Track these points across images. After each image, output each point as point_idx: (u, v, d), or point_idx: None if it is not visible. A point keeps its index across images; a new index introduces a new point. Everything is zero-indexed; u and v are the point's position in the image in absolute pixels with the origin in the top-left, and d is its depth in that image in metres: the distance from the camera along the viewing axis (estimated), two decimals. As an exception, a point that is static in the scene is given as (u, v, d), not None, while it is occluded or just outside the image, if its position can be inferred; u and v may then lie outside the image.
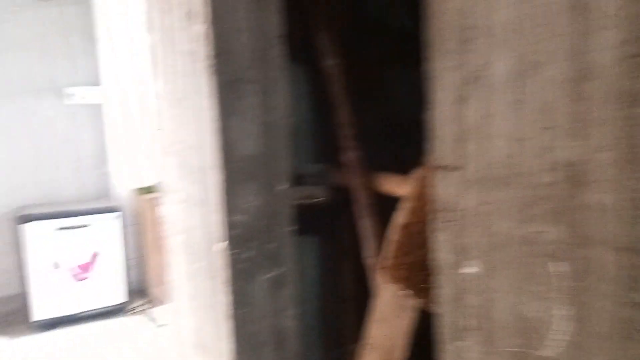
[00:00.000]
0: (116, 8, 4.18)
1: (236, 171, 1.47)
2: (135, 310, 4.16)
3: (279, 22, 1.51)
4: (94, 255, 3.92)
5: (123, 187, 4.37)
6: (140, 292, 4.45)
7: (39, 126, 4.12)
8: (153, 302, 4.27)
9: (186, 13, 1.47)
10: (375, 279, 1.53)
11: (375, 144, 1.79)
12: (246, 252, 1.39)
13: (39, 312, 3.76)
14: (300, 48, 1.76)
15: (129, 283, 4.14)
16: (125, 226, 4.13)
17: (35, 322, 3.76)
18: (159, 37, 1.76)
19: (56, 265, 3.79)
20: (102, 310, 4.00)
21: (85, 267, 3.90)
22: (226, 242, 1.42)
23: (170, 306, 2.07)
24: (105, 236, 3.94)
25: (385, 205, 1.57)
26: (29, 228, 3.66)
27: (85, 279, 3.91)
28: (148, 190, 4.28)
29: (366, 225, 1.65)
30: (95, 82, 4.27)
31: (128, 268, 4.14)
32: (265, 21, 1.48)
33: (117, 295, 4.05)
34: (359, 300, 1.70)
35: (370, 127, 1.81)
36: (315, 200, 1.74)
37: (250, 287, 1.38)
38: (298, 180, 1.72)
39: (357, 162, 1.70)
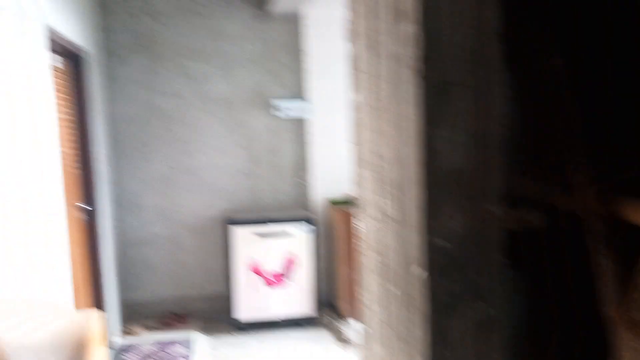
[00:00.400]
0: (322, 24, 4.38)
1: (440, 188, 1.29)
2: (323, 323, 4.24)
3: (498, 17, 1.30)
4: (288, 263, 4.11)
5: (319, 198, 4.52)
6: (329, 305, 4.54)
7: (249, 136, 4.51)
8: (341, 316, 4.30)
9: (394, 13, 1.35)
10: (615, 334, 1.19)
11: (615, 160, 1.44)
12: (449, 283, 1.19)
13: (239, 313, 4.07)
14: (516, 45, 1.51)
15: (320, 294, 4.24)
16: (319, 237, 4.26)
17: (234, 321, 4.08)
18: (362, 42, 1.68)
19: (253, 270, 4.06)
20: (291, 318, 4.16)
21: (278, 275, 4.11)
22: (425, 270, 1.25)
23: (358, 325, 1.97)
24: (298, 245, 4.11)
25: (630, 238, 1.23)
26: (235, 231, 4.00)
27: (278, 285, 4.11)
28: (342, 202, 4.36)
29: (602, 263, 1.31)
30: (300, 96, 4.52)
31: (319, 279, 4.25)
32: (483, 16, 1.28)
33: (307, 305, 4.17)
34: None
35: (607, 140, 1.47)
36: (533, 227, 1.46)
37: (452, 326, 1.18)
38: (511, 201, 1.46)
39: (589, 182, 1.37)
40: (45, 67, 2.43)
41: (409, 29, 1.28)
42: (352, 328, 4.10)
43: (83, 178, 3.58)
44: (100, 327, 1.72)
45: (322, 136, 4.48)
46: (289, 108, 4.43)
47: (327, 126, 4.48)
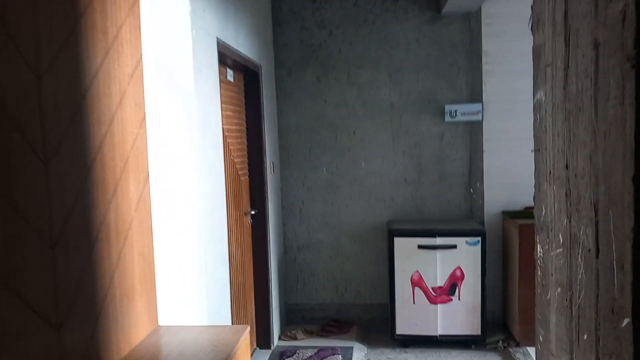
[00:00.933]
0: (500, 21, 3.99)
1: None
2: (491, 345, 3.84)
3: None
4: (452, 279, 3.80)
5: (492, 210, 4.12)
6: (498, 326, 4.10)
7: (417, 143, 4.31)
8: (513, 340, 3.85)
9: (595, -14, 1.05)
10: None
11: None
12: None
13: (399, 326, 3.89)
14: None
15: (487, 314, 3.85)
16: (489, 252, 3.87)
17: (394, 334, 3.91)
18: (549, 32, 1.38)
19: (416, 283, 3.85)
20: (455, 337, 3.84)
21: (442, 290, 3.83)
22: (636, 323, 0.93)
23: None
24: (466, 260, 3.78)
25: None
26: (397, 242, 3.83)
27: (441, 301, 3.83)
28: (518, 215, 3.90)
29: None
30: (475, 99, 4.19)
31: (487, 297, 3.86)
32: None
33: (473, 324, 3.81)
34: None
35: None
36: None
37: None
38: None
39: None
40: (214, 79, 2.56)
41: (618, 7, 0.98)
42: (524, 355, 3.63)
43: (253, 185, 3.76)
44: (247, 343, 1.70)
45: (499, 142, 4.07)
46: (461, 112, 4.11)
47: (504, 131, 4.05)
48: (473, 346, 3.85)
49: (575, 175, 1.26)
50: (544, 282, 1.56)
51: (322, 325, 4.32)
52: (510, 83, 4.00)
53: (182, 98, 2.09)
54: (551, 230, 1.46)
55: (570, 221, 1.32)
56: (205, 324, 2.28)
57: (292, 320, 4.49)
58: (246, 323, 3.56)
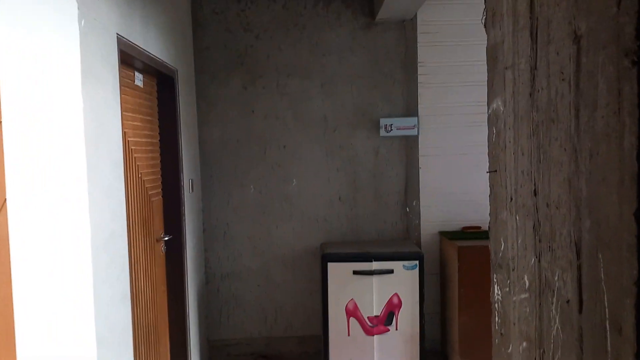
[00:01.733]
0: (437, 30, 3.86)
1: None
2: (432, 378, 3.64)
3: None
4: (389, 307, 3.58)
5: (428, 230, 3.95)
6: (437, 356, 3.92)
7: (351, 159, 4.09)
8: (453, 371, 3.67)
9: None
10: None
11: None
12: None
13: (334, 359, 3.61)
14: None
15: (425, 343, 3.64)
16: (426, 275, 3.68)
17: (330, 369, 3.62)
18: (508, 27, 1.16)
19: (351, 312, 3.58)
20: (397, 370, 3.61)
21: (378, 319, 3.59)
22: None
23: None
24: (403, 285, 3.57)
25: None
26: (331, 268, 3.56)
27: (378, 332, 3.59)
28: (457, 236, 3.76)
29: None
30: (410, 113, 4.02)
31: (426, 325, 3.66)
32: None
33: (412, 355, 3.59)
34: None
35: None
36: None
37: None
38: None
39: None
40: (113, 82, 2.19)
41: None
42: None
43: (167, 207, 3.37)
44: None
45: (435, 158, 3.92)
46: (397, 126, 3.93)
47: (441, 146, 3.92)
48: (413, 379, 3.63)
49: (548, 205, 1.02)
50: (502, 330, 1.32)
51: (248, 361, 3.96)
52: (447, 95, 3.88)
53: (62, 103, 1.71)
54: (513, 270, 1.23)
55: (539, 261, 1.09)
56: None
57: (216, 358, 4.09)
58: (158, 366, 3.13)
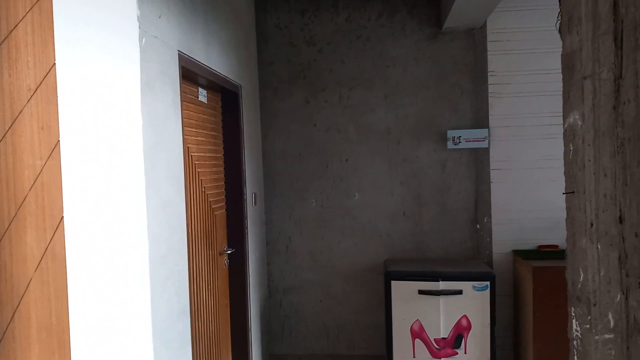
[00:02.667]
0: (508, 38, 3.67)
1: None
2: (504, 407, 3.41)
3: None
4: (458, 329, 3.40)
5: (501, 248, 3.74)
6: (512, 383, 3.67)
7: (415, 172, 3.96)
8: (528, 402, 3.42)
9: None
10: None
11: None
12: None
13: (398, 382, 3.47)
14: None
15: (499, 369, 3.43)
16: (498, 297, 3.47)
17: (393, 392, 3.49)
18: (588, 32, 1.04)
19: (416, 334, 3.44)
20: (465, 397, 3.41)
21: (446, 342, 3.41)
22: None
23: None
24: (473, 307, 3.38)
25: None
26: (394, 286, 3.44)
27: (445, 355, 3.41)
28: (532, 255, 3.52)
29: None
30: (480, 124, 3.85)
31: (498, 349, 3.44)
32: None
33: (484, 382, 3.38)
34: None
35: None
36: None
37: None
38: None
39: None
40: (173, 97, 2.22)
41: None
42: None
43: (231, 220, 3.40)
44: None
45: (508, 171, 3.71)
46: (465, 138, 3.76)
47: (514, 159, 3.70)
48: (482, 407, 3.42)
49: (637, 235, 0.89)
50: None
51: (310, 378, 3.90)
52: (520, 105, 3.67)
53: (121, 119, 1.75)
54: (594, 305, 1.09)
55: (627, 298, 0.95)
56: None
57: (277, 372, 4.07)
58: (219, 381, 3.14)
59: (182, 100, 2.39)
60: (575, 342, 1.18)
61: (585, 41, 1.05)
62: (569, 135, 1.16)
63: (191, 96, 2.77)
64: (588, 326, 1.10)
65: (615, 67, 0.93)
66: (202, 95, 2.96)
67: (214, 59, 2.91)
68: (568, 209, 1.19)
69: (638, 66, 0.85)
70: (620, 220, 0.92)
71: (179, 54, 2.30)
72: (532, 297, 3.31)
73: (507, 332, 3.75)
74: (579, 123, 1.10)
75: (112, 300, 1.65)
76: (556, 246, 3.63)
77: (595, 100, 1.02)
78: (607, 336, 1.00)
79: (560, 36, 1.19)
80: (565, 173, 1.20)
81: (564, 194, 1.18)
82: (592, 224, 1.05)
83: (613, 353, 0.98)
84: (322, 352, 4.10)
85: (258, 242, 3.82)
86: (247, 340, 3.47)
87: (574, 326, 1.18)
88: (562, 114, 1.24)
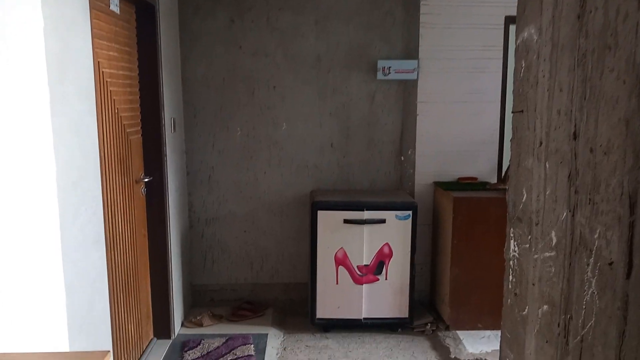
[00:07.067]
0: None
1: None
2: (419, 329, 3.61)
3: None
4: (380, 256, 3.50)
5: (423, 180, 3.82)
6: (427, 308, 3.89)
7: (344, 103, 3.89)
8: (442, 323, 3.64)
9: None
10: None
11: None
12: None
13: (320, 309, 3.55)
14: None
15: (414, 293, 3.60)
16: (419, 226, 3.59)
17: (316, 319, 3.57)
18: None
19: (340, 261, 3.50)
20: (381, 320, 3.57)
21: (368, 269, 3.51)
22: None
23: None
24: (395, 235, 3.47)
25: None
26: (320, 216, 3.44)
27: (367, 281, 3.52)
28: (452, 186, 3.64)
29: None
30: (410, 55, 3.80)
31: (415, 275, 3.60)
32: None
33: (400, 306, 3.56)
34: None
35: None
36: None
37: None
38: None
39: None
40: (81, 2, 1.95)
41: None
42: (454, 340, 3.43)
43: (147, 146, 3.18)
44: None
45: (434, 105, 3.74)
46: (395, 69, 3.71)
47: (441, 92, 3.73)
48: (399, 330, 3.61)
49: (592, 150, 0.87)
50: (517, 290, 1.20)
51: (233, 308, 3.89)
52: (451, 38, 3.65)
53: (15, 19, 1.49)
54: (536, 225, 1.09)
55: (573, 216, 0.95)
56: (65, 333, 1.76)
57: (199, 303, 4.02)
58: (138, 312, 3.04)
59: (91, 8, 2.10)
60: (512, 262, 1.19)
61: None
62: (522, 51, 1.12)
63: (101, 4, 2.46)
64: (527, 245, 1.11)
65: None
66: (114, 4, 2.65)
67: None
68: (515, 128, 1.16)
69: (613, -33, 0.80)
70: (575, 136, 0.90)
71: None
72: (451, 225, 3.45)
73: (425, 259, 3.92)
74: (535, 38, 1.05)
75: (18, 227, 1.46)
76: (475, 178, 3.78)
77: (556, 11, 0.96)
78: (547, 254, 1.01)
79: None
80: (514, 92, 1.16)
81: (513, 112, 1.15)
82: (541, 143, 1.03)
83: (553, 270, 0.98)
84: (245, 281, 4.09)
85: (177, 171, 3.64)
86: (167, 271, 3.36)
87: (512, 246, 1.19)
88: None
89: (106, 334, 2.28)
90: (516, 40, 1.13)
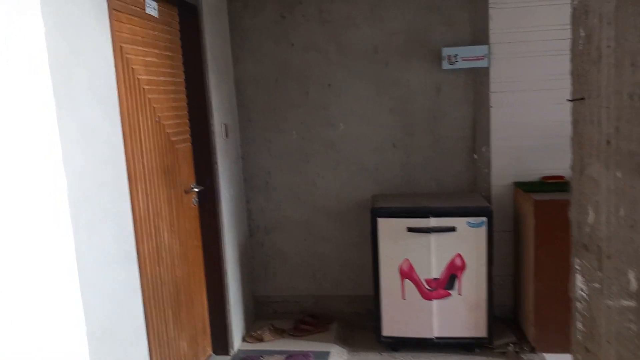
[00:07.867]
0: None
1: None
2: (500, 349, 3.24)
3: None
4: (451, 269, 3.17)
5: (500, 181, 3.45)
6: (509, 326, 3.49)
7: (405, 97, 3.61)
8: (526, 343, 3.24)
9: None
10: None
11: None
12: None
13: (385, 326, 3.29)
14: None
15: (494, 309, 3.23)
16: (496, 234, 3.22)
17: (382, 337, 3.32)
18: None
19: (405, 274, 3.22)
20: (455, 340, 3.25)
21: (438, 283, 3.20)
22: None
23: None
24: (468, 245, 3.14)
25: None
26: (381, 224, 3.19)
27: (437, 297, 3.21)
28: (534, 187, 3.24)
29: None
30: (479, 40, 3.45)
31: (495, 291, 3.23)
32: None
33: (477, 324, 3.21)
34: None
35: None
36: None
37: None
38: None
39: None
40: (98, 4, 1.86)
41: None
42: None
43: (197, 155, 3.10)
44: None
45: (510, 94, 3.35)
46: (462, 56, 3.37)
47: (517, 80, 3.33)
48: (477, 350, 3.26)
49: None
50: (589, 346, 0.90)
51: (295, 322, 3.73)
52: (525, 18, 3.25)
53: (15, 22, 1.40)
54: (608, 258, 0.79)
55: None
56: (86, 355, 1.67)
57: (263, 315, 3.91)
58: (193, 327, 2.96)
59: (112, 9, 2.02)
60: (579, 305, 0.89)
61: None
62: (580, 14, 0.82)
63: (134, 7, 2.38)
64: (597, 285, 0.81)
65: None
66: (151, 7, 2.57)
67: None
68: (575, 122, 0.87)
69: None
70: (656, 132, 0.60)
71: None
72: (533, 233, 3.06)
73: (506, 270, 3.53)
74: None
75: (26, 249, 1.38)
76: (562, 177, 3.34)
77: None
78: (625, 303, 0.71)
79: None
80: (572, 73, 0.87)
81: (568, 100, 0.85)
82: (608, 142, 0.73)
83: (633, 327, 0.69)
84: (307, 292, 3.92)
85: (233, 178, 3.54)
86: (223, 283, 3.26)
87: (578, 283, 0.89)
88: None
89: (141, 353, 2.19)
90: (572, 1, 0.84)
